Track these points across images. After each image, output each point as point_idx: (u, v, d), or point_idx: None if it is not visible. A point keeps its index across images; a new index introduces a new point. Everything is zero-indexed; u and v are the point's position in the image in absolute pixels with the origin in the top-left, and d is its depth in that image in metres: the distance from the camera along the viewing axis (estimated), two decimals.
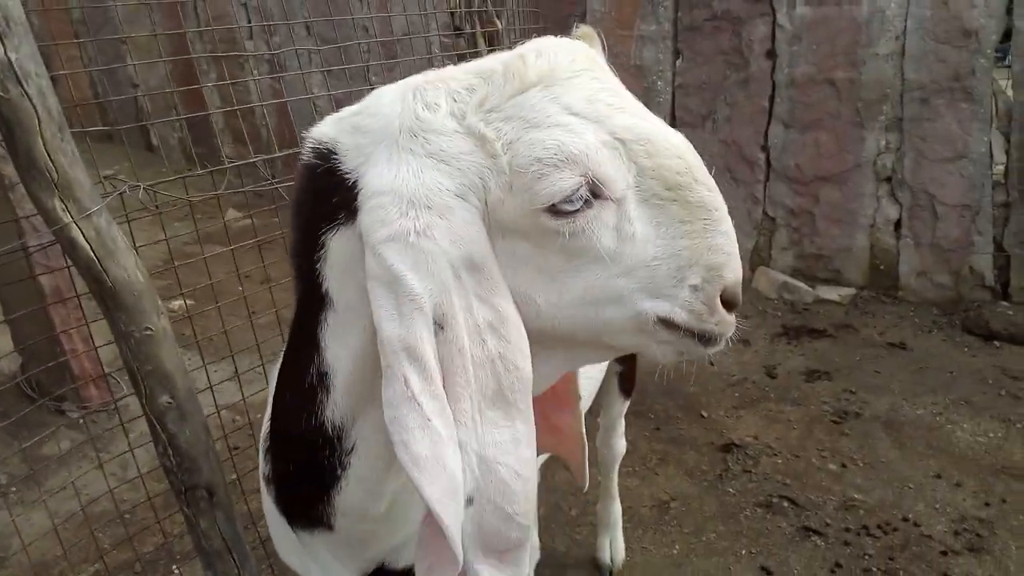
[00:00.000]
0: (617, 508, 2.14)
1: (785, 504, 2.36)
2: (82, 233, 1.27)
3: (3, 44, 1.18)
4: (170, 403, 1.41)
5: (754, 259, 3.93)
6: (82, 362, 3.06)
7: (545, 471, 2.53)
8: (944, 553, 2.10)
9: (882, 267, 3.63)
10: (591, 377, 1.47)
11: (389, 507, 0.90)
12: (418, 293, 0.68)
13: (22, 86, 1.19)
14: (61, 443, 2.95)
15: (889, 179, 3.50)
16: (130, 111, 6.52)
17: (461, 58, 2.87)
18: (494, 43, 2.54)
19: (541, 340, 0.76)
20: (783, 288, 3.73)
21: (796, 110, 3.59)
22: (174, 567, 2.27)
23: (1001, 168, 3.30)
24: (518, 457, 0.73)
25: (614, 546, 2.12)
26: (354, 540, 0.95)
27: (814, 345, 3.32)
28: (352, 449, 0.84)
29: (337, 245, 0.75)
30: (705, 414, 2.86)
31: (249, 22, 5.53)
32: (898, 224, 3.54)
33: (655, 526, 2.31)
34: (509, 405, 0.73)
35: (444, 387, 0.70)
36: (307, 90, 2.59)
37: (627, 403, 1.97)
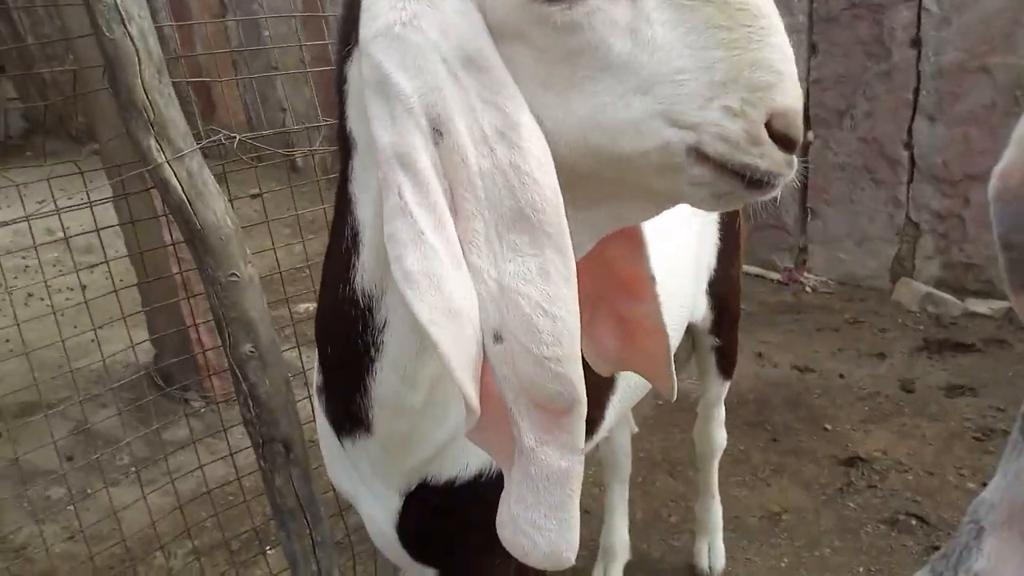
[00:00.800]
0: (718, 508, 2.03)
1: (913, 522, 2.15)
2: (175, 174, 1.38)
3: None
4: (252, 352, 1.48)
5: (895, 269, 3.67)
6: (207, 356, 3.29)
7: (645, 475, 2.46)
8: None
9: None
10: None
11: (426, 399, 0.87)
12: (407, 92, 0.63)
13: (125, 26, 1.31)
14: (181, 431, 3.17)
15: None
16: (279, 134, 7.04)
17: None
18: None
19: (562, 181, 0.66)
20: (926, 300, 3.45)
21: (944, 102, 3.34)
22: (267, 548, 2.38)
23: None
24: (546, 291, 0.63)
25: (713, 552, 2.01)
26: (392, 444, 0.94)
27: (959, 360, 3.04)
28: (384, 325, 0.82)
29: (352, 73, 0.72)
30: (829, 427, 2.68)
31: None
32: None
33: (762, 538, 2.17)
34: (534, 228, 0.63)
35: (453, 204, 0.64)
36: None
37: (727, 385, 1.85)
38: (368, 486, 1.05)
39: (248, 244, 1.54)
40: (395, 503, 1.03)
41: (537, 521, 0.68)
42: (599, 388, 1.20)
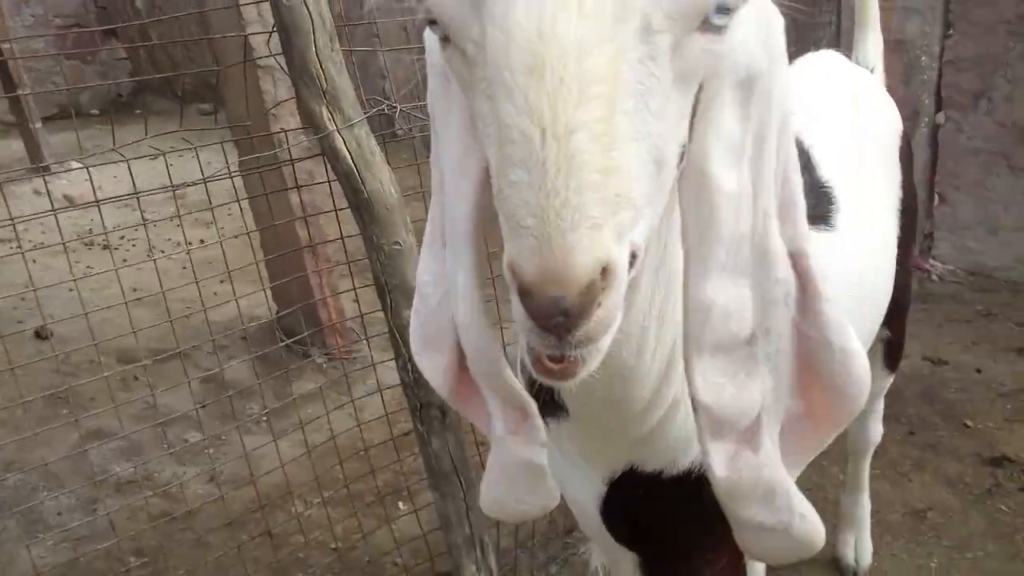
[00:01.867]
0: (867, 502, 1.89)
1: None
2: (344, 143, 1.30)
3: None
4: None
5: None
6: (329, 312, 3.28)
7: None
8: None
9: None
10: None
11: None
12: None
13: None
14: (307, 384, 3.17)
15: None
16: (378, 101, 7.03)
17: None
18: None
19: None
20: None
21: None
22: (399, 503, 2.34)
23: None
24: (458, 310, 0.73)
25: (859, 546, 1.87)
26: (592, 427, 0.89)
27: None
28: None
29: None
30: (970, 424, 2.47)
31: None
32: None
33: (908, 535, 2.01)
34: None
35: None
36: None
37: (891, 378, 1.72)
38: (574, 467, 0.96)
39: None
40: (601, 487, 0.94)
41: (521, 497, 0.81)
42: None
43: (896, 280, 1.48)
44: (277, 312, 3.57)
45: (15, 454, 2.82)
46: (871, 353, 1.66)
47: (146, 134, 1.62)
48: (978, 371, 2.77)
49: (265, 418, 3.01)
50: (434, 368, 0.82)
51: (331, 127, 1.29)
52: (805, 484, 2.19)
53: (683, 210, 0.64)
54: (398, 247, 1.38)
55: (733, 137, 0.63)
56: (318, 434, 2.77)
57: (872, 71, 1.69)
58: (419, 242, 1.38)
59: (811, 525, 0.74)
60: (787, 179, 0.69)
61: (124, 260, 4.51)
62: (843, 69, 1.52)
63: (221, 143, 2.02)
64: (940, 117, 3.55)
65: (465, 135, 0.67)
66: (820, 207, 1.16)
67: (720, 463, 0.70)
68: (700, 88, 0.60)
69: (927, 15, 3.46)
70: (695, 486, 0.88)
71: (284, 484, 2.44)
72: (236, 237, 2.25)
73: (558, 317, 0.50)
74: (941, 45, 3.46)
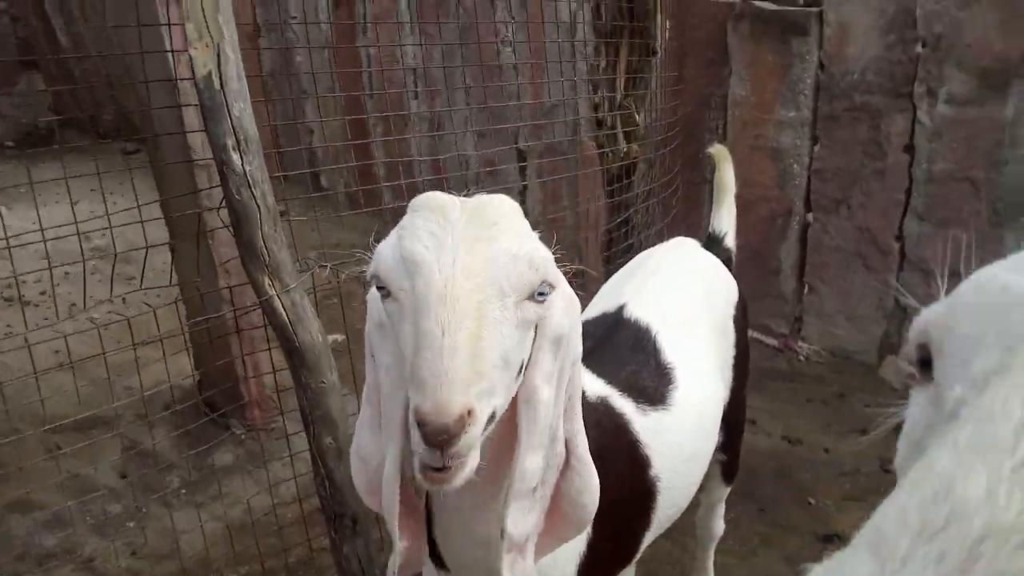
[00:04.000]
0: None
1: None
2: (281, 304, 1.60)
3: (242, 158, 1.53)
4: (331, 444, 1.70)
5: (883, 348, 3.90)
6: (250, 387, 3.50)
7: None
8: None
9: None
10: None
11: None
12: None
13: (251, 191, 1.54)
14: (225, 456, 3.38)
15: None
16: (303, 155, 7.26)
17: (602, 145, 3.13)
18: (631, 138, 2.76)
19: None
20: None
21: (933, 205, 3.58)
22: None
23: None
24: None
25: None
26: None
27: None
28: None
29: None
30: (812, 501, 2.90)
31: (416, 86, 6.05)
32: None
33: None
34: None
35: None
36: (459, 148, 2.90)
37: (728, 489, 2.08)
38: None
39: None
40: None
41: None
42: (639, 530, 1.42)
43: (728, 417, 1.84)
44: (198, 380, 3.75)
45: None
46: (711, 474, 2.03)
47: (64, 173, 1.84)
48: (826, 451, 3.22)
49: (184, 490, 3.21)
50: (374, 504, 1.14)
51: (271, 292, 1.58)
52: (667, 560, 2.56)
53: (519, 411, 0.99)
54: (323, 385, 1.68)
55: (548, 369, 0.99)
56: (236, 508, 3.00)
57: (724, 236, 2.09)
58: (341, 381, 1.68)
59: None
60: (572, 395, 1.06)
61: (45, 319, 4.60)
62: (695, 258, 1.88)
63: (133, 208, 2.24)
64: (809, 217, 4.06)
65: (396, 357, 1.00)
66: (661, 387, 1.50)
67: (508, 567, 1.03)
68: (535, 336, 0.96)
69: (798, 129, 3.98)
70: None
71: (205, 558, 2.66)
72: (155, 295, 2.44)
73: (442, 435, 0.83)
74: (810, 156, 3.99)
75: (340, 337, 3.76)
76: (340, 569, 1.79)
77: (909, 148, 3.61)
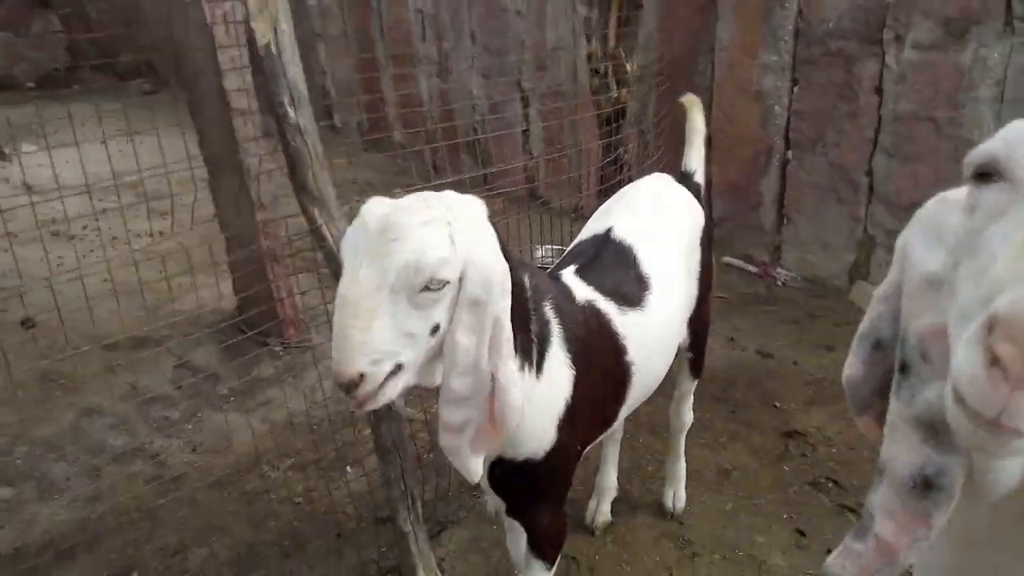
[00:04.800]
0: (682, 466, 2.64)
1: (830, 485, 2.77)
2: (329, 232, 1.94)
3: (294, 110, 1.85)
4: None
5: (852, 274, 4.24)
6: (285, 308, 3.88)
7: (632, 434, 3.06)
8: None
9: None
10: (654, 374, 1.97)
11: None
12: None
13: (303, 139, 1.85)
14: (266, 369, 3.77)
15: None
16: (317, 95, 7.48)
17: (596, 91, 3.40)
18: (623, 84, 3.05)
19: None
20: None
21: (899, 143, 3.86)
22: (347, 467, 3.00)
23: None
24: None
25: (676, 495, 2.64)
26: None
27: None
28: None
29: None
30: (778, 405, 3.28)
31: (423, 27, 6.25)
32: None
33: (715, 488, 2.80)
34: None
35: None
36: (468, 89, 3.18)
37: (695, 383, 2.44)
38: None
39: None
40: (487, 466, 1.62)
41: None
42: (615, 403, 1.79)
43: (694, 322, 2.20)
44: (237, 305, 4.12)
45: (19, 430, 3.34)
46: (680, 366, 2.40)
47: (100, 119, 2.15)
48: (795, 363, 3.60)
49: (232, 398, 3.62)
50: None
51: (320, 220, 1.92)
52: (648, 451, 2.96)
53: (444, 352, 1.31)
54: None
55: (468, 323, 1.29)
56: (279, 411, 3.40)
57: (694, 173, 2.41)
58: None
59: (471, 471, 1.41)
60: (497, 339, 1.32)
61: (91, 251, 4.95)
62: (669, 191, 2.18)
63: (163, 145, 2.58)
64: (789, 155, 4.35)
65: None
66: (638, 293, 1.85)
67: (442, 438, 1.36)
68: (456, 302, 1.27)
69: (779, 73, 4.24)
70: (524, 467, 1.58)
71: (255, 452, 3.08)
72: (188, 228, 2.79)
73: (342, 390, 1.20)
74: (789, 97, 4.25)
75: None
76: (377, 445, 2.17)
77: (878, 90, 3.87)
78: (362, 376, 1.18)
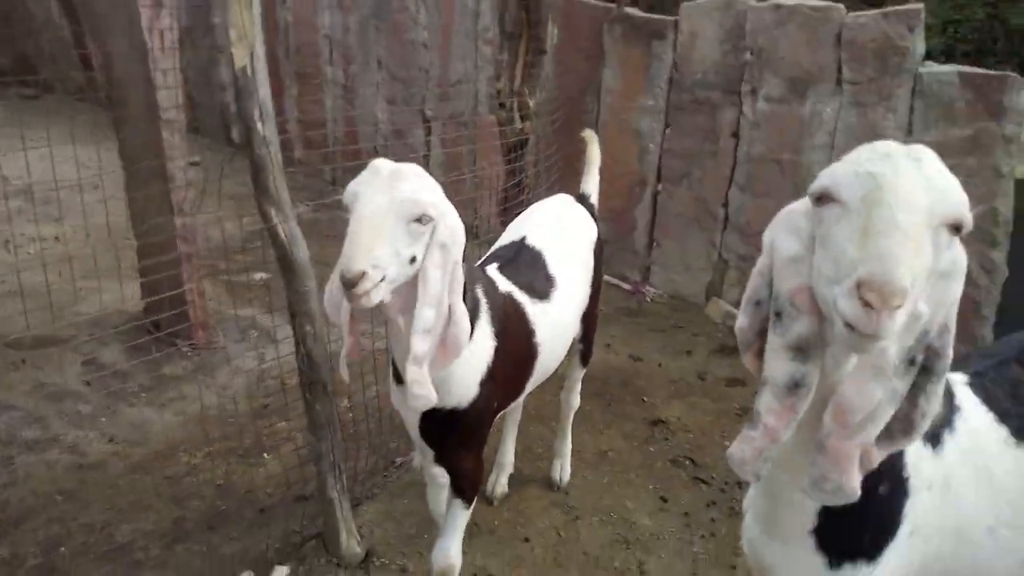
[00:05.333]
0: (568, 445, 3.06)
1: (687, 462, 3.28)
2: (282, 230, 2.23)
3: (262, 124, 2.14)
4: (310, 331, 2.34)
5: (708, 291, 4.86)
6: (196, 311, 4.03)
7: (524, 423, 3.46)
8: None
9: None
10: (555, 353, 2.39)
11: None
12: None
13: (268, 149, 2.15)
14: (175, 369, 3.91)
15: None
16: (216, 110, 7.53)
17: (503, 122, 3.83)
18: (526, 118, 3.50)
19: None
20: (728, 315, 4.65)
21: (751, 180, 4.52)
22: (264, 454, 3.23)
23: None
24: None
25: (563, 469, 3.06)
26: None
27: (741, 361, 4.24)
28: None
29: None
30: (646, 399, 3.79)
31: (331, 51, 6.51)
32: None
33: (594, 466, 3.24)
34: None
35: None
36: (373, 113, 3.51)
37: (583, 371, 2.88)
38: (405, 407, 1.98)
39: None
40: (418, 416, 1.97)
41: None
42: (524, 374, 2.19)
43: (585, 318, 2.63)
44: (144, 307, 4.22)
45: None
46: (572, 357, 2.84)
47: None
48: (659, 365, 4.13)
49: (143, 394, 3.73)
50: (337, 322, 1.76)
51: (276, 221, 2.21)
52: (539, 437, 3.38)
53: (419, 282, 1.65)
54: (307, 289, 2.30)
55: (437, 260, 1.64)
56: (193, 405, 3.57)
57: (590, 196, 2.86)
58: (319, 286, 2.32)
59: (423, 399, 1.69)
60: (454, 278, 1.69)
61: None
62: (571, 209, 2.62)
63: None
64: (660, 187, 4.95)
65: None
66: (546, 289, 2.26)
67: (410, 370, 1.66)
68: (430, 242, 1.62)
69: (654, 116, 4.83)
70: (450, 416, 1.94)
71: (172, 442, 3.24)
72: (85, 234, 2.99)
73: (345, 286, 1.51)
74: (662, 137, 4.86)
75: (266, 275, 4.35)
76: (311, 422, 2.45)
77: (736, 135, 4.53)
78: (363, 275, 1.51)
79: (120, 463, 3.14)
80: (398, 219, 1.56)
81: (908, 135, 4.02)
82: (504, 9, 3.42)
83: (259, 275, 4.71)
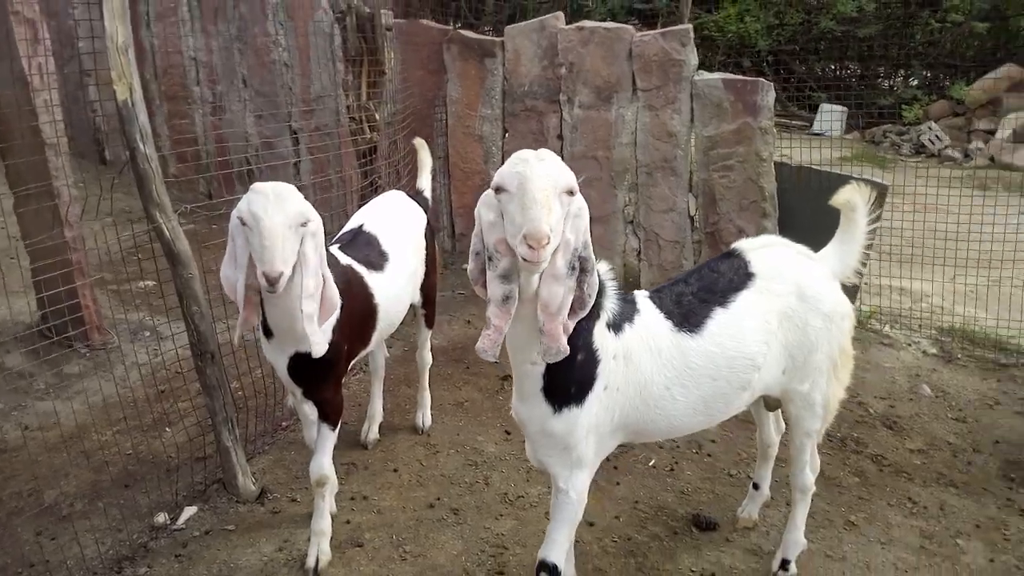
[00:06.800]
0: (427, 396, 3.70)
1: None
2: (167, 229, 2.75)
3: (144, 144, 2.65)
4: (197, 310, 2.86)
5: None
6: (91, 314, 4.37)
7: (395, 385, 4.08)
8: None
9: (630, 280, 5.40)
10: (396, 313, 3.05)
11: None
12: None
13: (149, 163, 2.66)
14: (74, 368, 4.26)
15: (632, 222, 5.27)
16: (87, 129, 7.67)
17: (354, 133, 4.42)
18: (374, 128, 4.11)
19: None
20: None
21: (575, 174, 5.31)
22: (166, 428, 3.69)
23: (695, 216, 5.12)
24: None
25: (424, 417, 3.70)
26: (282, 338, 2.48)
27: None
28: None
29: None
30: (498, 361, 4.47)
31: (197, 72, 6.86)
32: (638, 252, 5.32)
33: (453, 413, 3.90)
34: None
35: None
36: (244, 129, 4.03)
37: (430, 332, 3.54)
38: (279, 353, 2.56)
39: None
40: (287, 360, 2.55)
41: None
42: (369, 327, 2.82)
43: (424, 289, 3.29)
44: (41, 314, 4.51)
45: None
46: (419, 321, 3.49)
47: None
48: None
49: (50, 390, 4.07)
50: (233, 297, 2.32)
51: (160, 221, 2.72)
52: (405, 396, 4.01)
53: (300, 262, 2.31)
54: (191, 276, 2.83)
55: (311, 247, 2.35)
56: (95, 397, 3.95)
57: (423, 191, 3.52)
58: (199, 274, 2.84)
59: (319, 345, 2.34)
60: (323, 257, 2.46)
61: None
62: (401, 201, 3.29)
63: None
64: None
65: (240, 247, 2.24)
66: (380, 262, 2.90)
67: (307, 326, 2.27)
68: (308, 236, 2.29)
69: (493, 123, 5.54)
70: (308, 359, 2.52)
71: (82, 424, 3.64)
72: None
73: (269, 284, 2.14)
74: (502, 141, 5.58)
75: (151, 283, 4.75)
76: (204, 385, 2.97)
77: (560, 136, 5.31)
78: (280, 275, 2.08)
79: (37, 445, 3.52)
80: (290, 228, 2.15)
81: (691, 131, 4.92)
82: (346, 37, 4.02)
83: (144, 283, 5.08)
